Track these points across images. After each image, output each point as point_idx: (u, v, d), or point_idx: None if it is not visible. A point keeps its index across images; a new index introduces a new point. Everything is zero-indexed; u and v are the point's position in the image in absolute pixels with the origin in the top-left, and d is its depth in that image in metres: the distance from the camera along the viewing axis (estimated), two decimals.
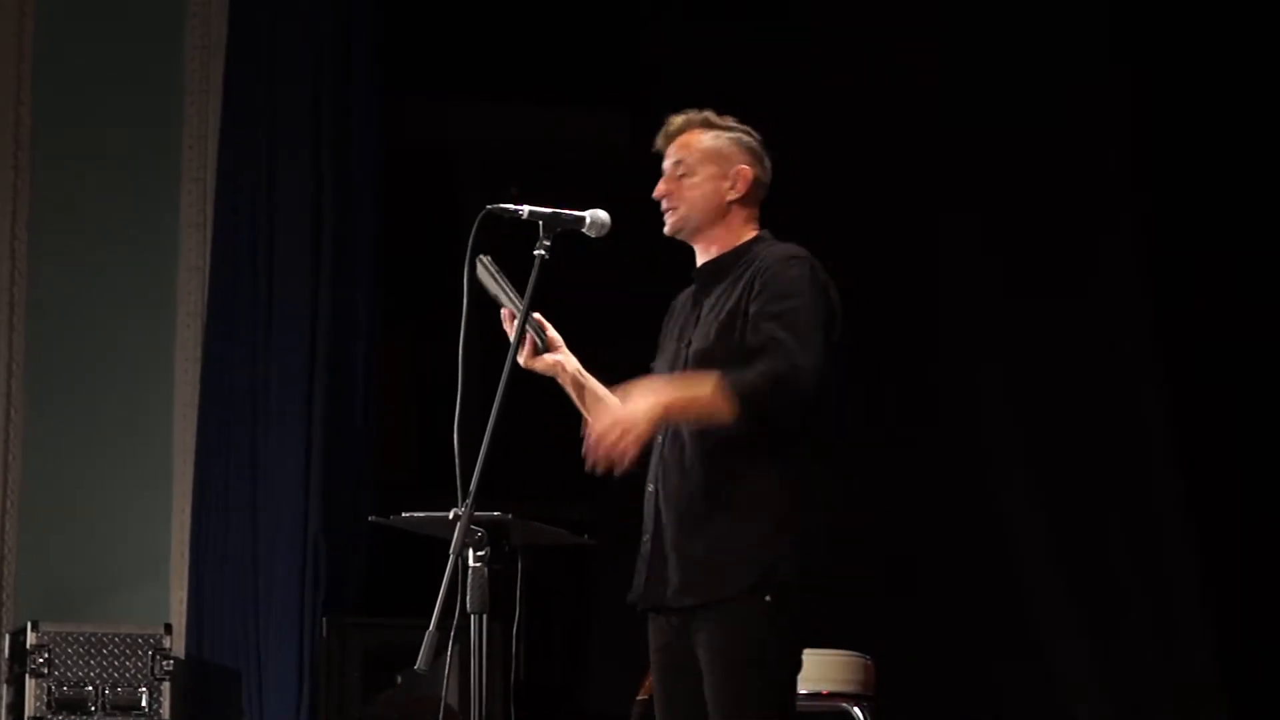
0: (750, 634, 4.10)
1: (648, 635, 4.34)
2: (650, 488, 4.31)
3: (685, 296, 4.44)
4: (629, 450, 4.03)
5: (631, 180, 4.55)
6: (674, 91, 7.43)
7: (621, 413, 4.06)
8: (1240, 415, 7.36)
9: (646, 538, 4.29)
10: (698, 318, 4.33)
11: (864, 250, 7.48)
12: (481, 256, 4.29)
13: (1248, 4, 7.46)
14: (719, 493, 4.15)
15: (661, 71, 7.89)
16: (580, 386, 4.42)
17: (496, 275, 4.31)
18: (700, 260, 4.40)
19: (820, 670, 6.09)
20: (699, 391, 4.08)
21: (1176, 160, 7.41)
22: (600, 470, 4.08)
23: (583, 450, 4.07)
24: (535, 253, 4.24)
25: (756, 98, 7.36)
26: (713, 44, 7.90)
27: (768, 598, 4.09)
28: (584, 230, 4.34)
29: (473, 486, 4.05)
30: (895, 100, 7.66)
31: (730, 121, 4.41)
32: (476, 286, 4.31)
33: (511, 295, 4.30)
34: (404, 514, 4.73)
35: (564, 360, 4.39)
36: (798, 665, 4.21)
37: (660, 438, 4.30)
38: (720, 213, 4.35)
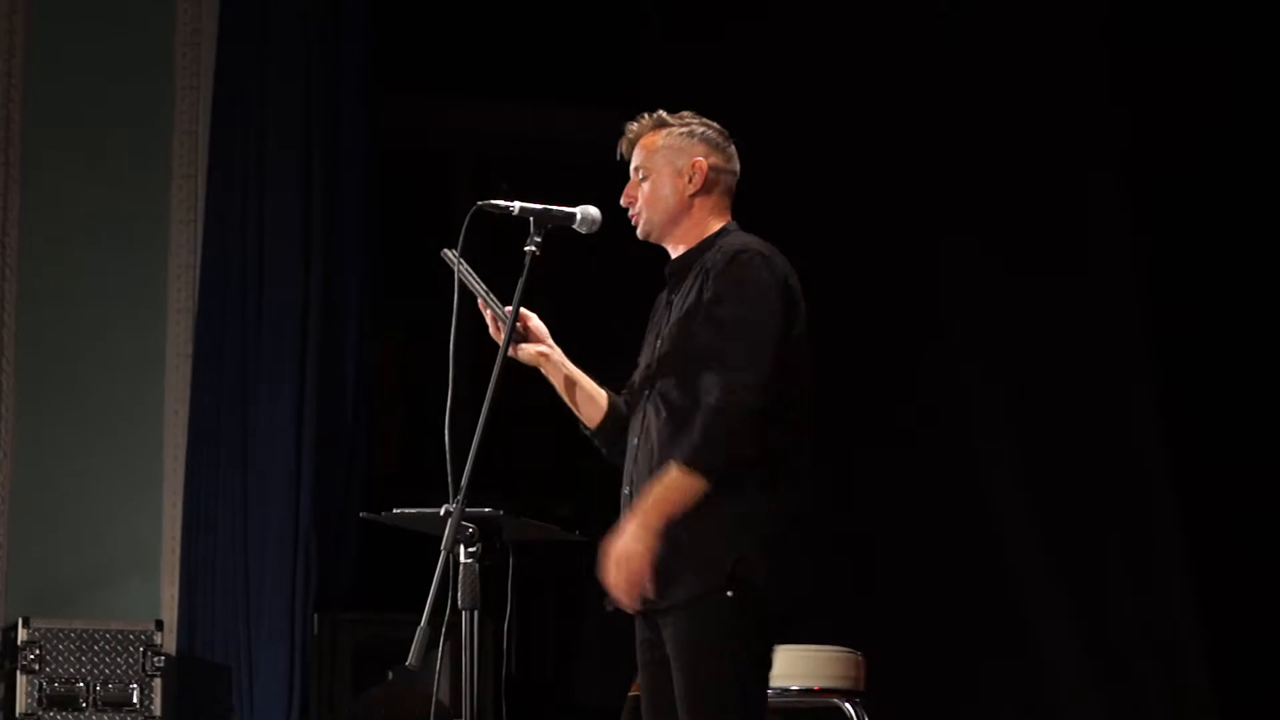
0: (711, 629, 4.10)
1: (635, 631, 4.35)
2: (625, 490, 4.33)
3: (663, 295, 4.46)
4: (643, 573, 4.06)
5: (621, 178, 4.55)
6: (666, 90, 7.49)
7: (617, 552, 4.08)
8: (1234, 420, 7.37)
9: None
10: (669, 315, 4.33)
11: (862, 255, 7.49)
12: (445, 251, 4.29)
13: (1244, 8, 7.46)
14: None
15: (654, 70, 7.90)
16: (565, 378, 4.42)
17: (460, 265, 4.31)
18: (671, 256, 4.41)
19: (812, 666, 6.10)
20: (667, 491, 4.08)
21: (1174, 165, 7.41)
22: (636, 608, 4.15)
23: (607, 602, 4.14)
24: (526, 249, 4.25)
25: (750, 95, 7.44)
26: (705, 44, 7.91)
27: (729, 593, 4.09)
28: (575, 227, 4.36)
29: (464, 483, 4.06)
30: (892, 105, 7.66)
31: (687, 116, 4.41)
32: (464, 288, 4.32)
33: (476, 283, 4.30)
34: (395, 510, 4.74)
35: (549, 352, 4.39)
36: (764, 661, 4.20)
37: (634, 439, 4.32)
38: (683, 209, 4.35)
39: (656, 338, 4.36)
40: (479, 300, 4.34)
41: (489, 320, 4.35)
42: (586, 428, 4.48)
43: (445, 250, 4.29)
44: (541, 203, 4.34)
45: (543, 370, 4.41)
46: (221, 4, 7.84)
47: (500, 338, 4.33)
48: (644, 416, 4.29)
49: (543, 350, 4.37)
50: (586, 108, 8.34)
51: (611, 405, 4.44)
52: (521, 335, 4.35)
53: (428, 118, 8.67)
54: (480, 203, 4.29)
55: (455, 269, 4.30)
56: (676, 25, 8.05)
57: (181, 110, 7.92)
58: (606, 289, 7.53)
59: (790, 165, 7.25)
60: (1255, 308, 7.42)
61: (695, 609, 4.12)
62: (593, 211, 4.35)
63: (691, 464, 4.06)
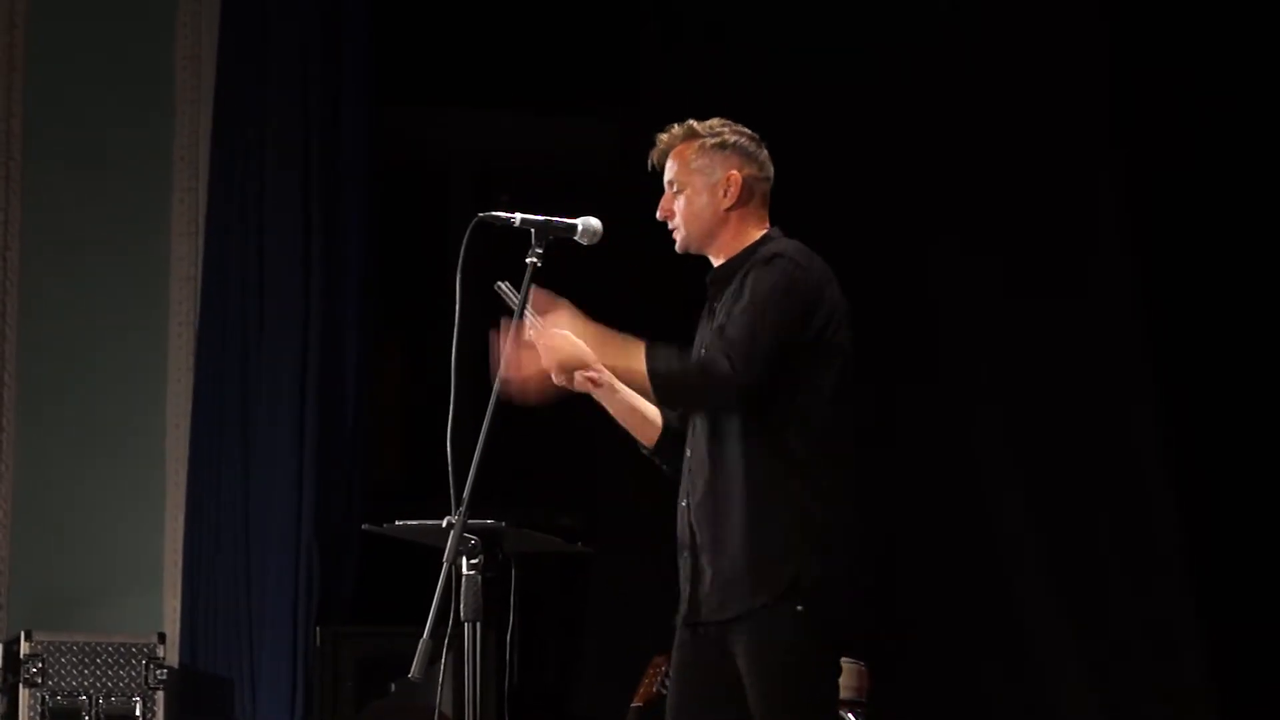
0: (787, 645, 4.14)
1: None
2: (682, 503, 4.34)
3: (707, 305, 4.47)
4: (541, 388, 4.16)
5: (623, 187, 4.56)
6: (666, 100, 7.50)
7: (562, 353, 4.14)
8: (1231, 419, 7.36)
9: (685, 554, 4.31)
10: (712, 323, 4.35)
11: (861, 259, 7.48)
12: (500, 283, 4.28)
13: (1245, 9, 7.45)
14: (743, 505, 4.18)
15: (654, 80, 7.91)
16: (617, 400, 4.41)
17: (516, 296, 4.30)
18: (714, 265, 4.42)
19: None
20: (629, 359, 4.16)
21: (1171, 172, 7.40)
22: (510, 391, 4.16)
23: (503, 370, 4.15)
24: (528, 260, 4.25)
25: (749, 107, 7.44)
26: (704, 53, 7.91)
27: (800, 607, 4.12)
28: (576, 238, 4.35)
29: (466, 494, 4.06)
30: (889, 115, 7.65)
31: (717, 124, 4.42)
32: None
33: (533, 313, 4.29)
34: (397, 522, 4.75)
35: (597, 376, 4.30)
36: (837, 671, 4.26)
37: (688, 450, 4.33)
38: (720, 222, 4.37)
39: (699, 347, 4.38)
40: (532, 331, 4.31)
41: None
42: (645, 448, 4.49)
43: (500, 284, 4.28)
44: (542, 214, 4.34)
45: (594, 396, 4.38)
46: (222, 18, 7.85)
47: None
48: (694, 426, 4.32)
49: (591, 375, 4.32)
50: (586, 119, 8.36)
51: (666, 423, 4.45)
52: None
53: (427, 129, 8.68)
54: (481, 214, 4.29)
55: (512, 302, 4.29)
56: (675, 36, 8.05)
57: (182, 123, 7.93)
58: (636, 302, 7.55)
59: (790, 175, 7.24)
60: (1254, 312, 7.41)
61: (766, 625, 4.14)
62: (593, 223, 4.35)
63: (657, 365, 4.13)
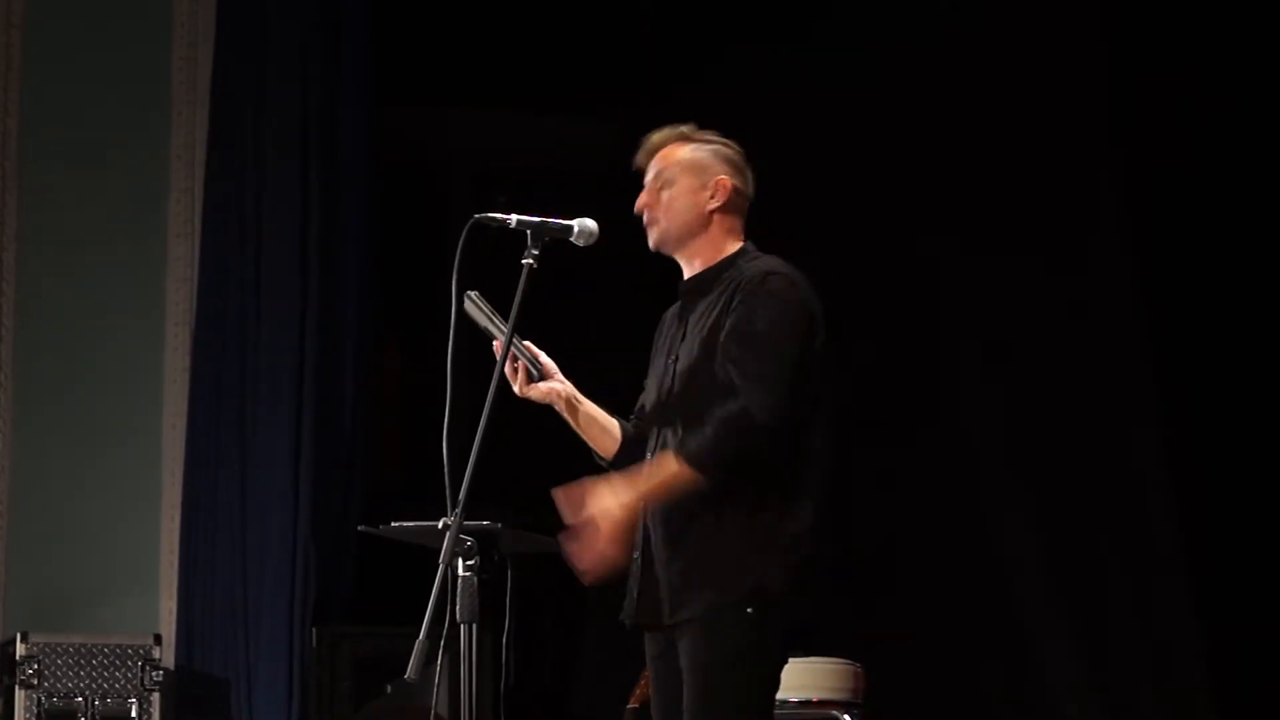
0: (728, 643, 4.12)
1: (643, 643, 4.35)
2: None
3: (673, 312, 4.45)
4: (613, 550, 4.08)
5: (620, 190, 4.54)
6: (666, 100, 7.50)
7: (595, 514, 4.09)
8: (1231, 420, 7.36)
9: (636, 555, 4.28)
10: (684, 334, 4.34)
11: (861, 261, 7.49)
12: (469, 292, 4.30)
13: (1245, 9, 7.44)
14: (702, 509, 4.15)
15: (653, 80, 7.91)
16: (576, 412, 4.42)
17: (485, 309, 4.32)
18: (686, 274, 4.40)
19: (810, 678, 6.09)
20: (664, 475, 4.12)
21: (1171, 172, 7.39)
22: (593, 580, 4.14)
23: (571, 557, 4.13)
24: (523, 261, 4.23)
25: (748, 103, 7.44)
26: (703, 52, 7.91)
27: (749, 609, 4.10)
28: (572, 239, 4.34)
29: (462, 495, 4.05)
30: (892, 108, 7.65)
31: (710, 135, 4.41)
32: (466, 317, 4.32)
33: (501, 327, 4.29)
34: (393, 523, 4.74)
35: (559, 388, 4.38)
36: (776, 676, 4.21)
37: (649, 454, 4.32)
38: (701, 223, 4.34)
39: (669, 356, 4.36)
40: (495, 342, 4.31)
41: (503, 358, 4.33)
42: (603, 459, 4.48)
43: (469, 293, 4.29)
44: (539, 215, 4.33)
45: (556, 407, 4.40)
46: (219, 17, 7.84)
47: (516, 380, 4.34)
48: (659, 434, 4.30)
49: (554, 387, 4.36)
50: (586, 119, 8.35)
51: (625, 435, 4.45)
52: (538, 374, 4.36)
53: (427, 129, 8.68)
54: (478, 215, 4.28)
55: (482, 313, 4.30)
56: (675, 36, 8.05)
57: (179, 124, 7.92)
58: (603, 308, 7.54)
59: (793, 171, 7.25)
60: (1255, 313, 7.40)
61: (713, 622, 4.13)
62: (590, 224, 4.34)
63: (692, 459, 4.09)
